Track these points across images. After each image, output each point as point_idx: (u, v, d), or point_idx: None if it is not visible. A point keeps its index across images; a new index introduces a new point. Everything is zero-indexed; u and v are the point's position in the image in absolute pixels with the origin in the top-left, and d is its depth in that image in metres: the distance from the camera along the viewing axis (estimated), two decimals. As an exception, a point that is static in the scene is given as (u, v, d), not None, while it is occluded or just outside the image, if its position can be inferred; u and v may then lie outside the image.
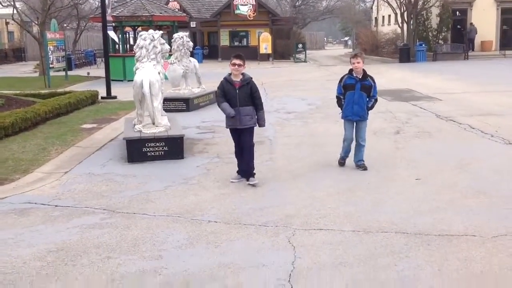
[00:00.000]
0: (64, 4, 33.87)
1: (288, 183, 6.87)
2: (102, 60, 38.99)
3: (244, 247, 4.75)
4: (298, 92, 17.71)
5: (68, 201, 6.30)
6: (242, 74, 6.71)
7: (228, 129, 6.97)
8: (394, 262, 4.34)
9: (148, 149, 8.29)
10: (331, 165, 7.76)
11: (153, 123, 8.84)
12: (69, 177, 7.45)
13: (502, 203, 5.82)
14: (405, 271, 4.18)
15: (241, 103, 6.63)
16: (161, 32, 9.96)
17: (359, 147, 7.42)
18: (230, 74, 6.74)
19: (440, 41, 36.51)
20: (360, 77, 7.27)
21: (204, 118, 12.38)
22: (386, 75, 22.73)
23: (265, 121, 6.90)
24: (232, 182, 6.86)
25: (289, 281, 4.06)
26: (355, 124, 7.36)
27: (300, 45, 39.78)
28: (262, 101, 6.91)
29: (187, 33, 15.01)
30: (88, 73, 27.16)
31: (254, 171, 6.83)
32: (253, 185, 6.66)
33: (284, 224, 5.31)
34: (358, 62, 7.22)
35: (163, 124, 8.87)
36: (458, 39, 37.50)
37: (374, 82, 7.39)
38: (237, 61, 6.64)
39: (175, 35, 14.38)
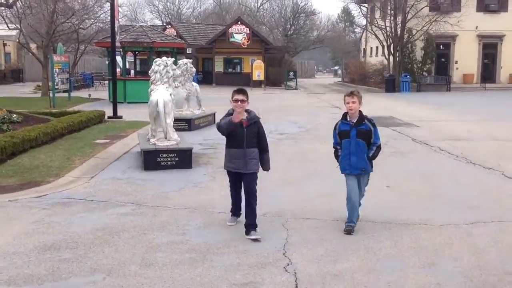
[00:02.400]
0: (65, 28, 35.41)
1: (282, 187, 8.28)
2: (100, 83, 40.68)
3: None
4: (289, 116, 19.23)
5: (101, 197, 7.67)
6: (247, 111, 5.89)
7: (226, 171, 6.14)
8: (363, 238, 5.77)
9: (161, 159, 9.69)
10: (318, 174, 9.20)
11: (166, 137, 10.27)
12: (97, 180, 8.82)
13: (453, 204, 7.27)
14: (371, 244, 5.61)
15: (248, 144, 5.82)
16: (173, 59, 11.48)
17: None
18: (233, 110, 5.85)
19: (424, 73, 38.46)
20: (355, 121, 6.03)
21: (205, 136, 13.81)
22: (372, 103, 24.30)
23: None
24: (230, 225, 6.25)
25: (283, 249, 5.46)
26: (357, 177, 6.17)
27: (291, 73, 41.59)
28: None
29: (190, 60, 16.46)
30: (90, 95, 28.57)
31: (256, 222, 5.88)
32: (255, 240, 5.71)
33: (279, 214, 6.71)
34: (353, 102, 5.96)
35: (174, 138, 10.29)
36: (442, 71, 39.48)
37: (375, 126, 6.09)
38: (240, 97, 5.78)
39: (180, 62, 15.89)
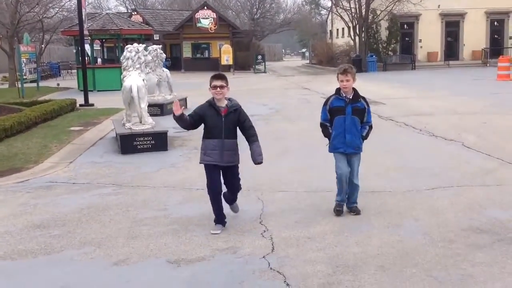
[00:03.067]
0: (29, 18, 34.93)
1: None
2: (67, 72, 40.33)
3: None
4: (259, 99, 19.61)
5: (82, 180, 7.95)
6: (229, 99, 5.44)
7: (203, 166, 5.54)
8: (332, 207, 6.22)
9: (138, 143, 9.99)
10: (289, 152, 9.64)
11: (141, 122, 10.55)
12: (76, 165, 9.09)
13: (416, 173, 7.79)
14: (333, 218, 6.07)
15: (226, 135, 5.33)
16: (144, 45, 11.71)
17: (353, 187, 5.97)
18: (213, 98, 5.38)
19: (390, 53, 39.23)
20: (351, 97, 5.74)
21: (178, 120, 14.11)
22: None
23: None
24: (213, 234, 5.45)
25: (260, 218, 5.88)
26: (346, 156, 5.86)
27: (259, 57, 41.88)
28: None
29: (160, 46, 16.65)
30: (58, 84, 28.41)
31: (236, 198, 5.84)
32: (235, 212, 5.89)
33: (255, 188, 7.12)
34: (347, 80, 5.67)
35: (149, 122, 10.58)
36: (407, 50, 40.31)
37: (368, 105, 5.87)
38: (219, 82, 5.28)
39: (150, 48, 16.06)
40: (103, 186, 7.59)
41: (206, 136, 5.45)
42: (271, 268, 4.54)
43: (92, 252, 5.03)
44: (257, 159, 5.39)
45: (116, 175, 8.22)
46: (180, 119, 5.31)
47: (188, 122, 5.39)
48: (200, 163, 5.55)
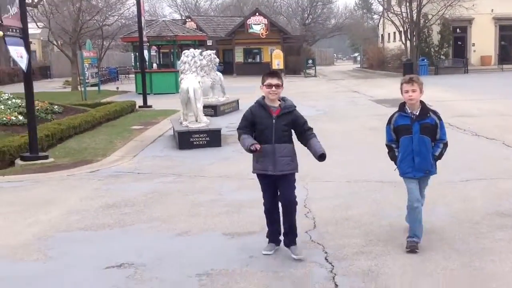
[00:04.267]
0: (90, 25, 36.76)
1: (302, 158, 9.35)
2: (125, 76, 42.15)
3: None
4: (308, 101, 20.24)
5: (145, 171, 8.86)
6: (283, 99, 4.87)
7: (255, 174, 5.00)
8: (371, 194, 6.83)
9: (194, 139, 10.86)
10: (333, 148, 10.28)
11: (196, 120, 11.43)
12: (139, 158, 10.03)
13: (453, 167, 8.28)
14: (377, 197, 6.71)
15: (278, 138, 4.72)
16: (200, 50, 12.63)
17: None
18: (263, 97, 4.85)
19: (442, 56, 39.03)
20: (418, 113, 4.94)
21: (230, 121, 14.91)
22: (390, 87, 25.17)
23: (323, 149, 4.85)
24: (265, 254, 4.94)
25: (304, 202, 6.57)
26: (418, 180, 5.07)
27: (310, 61, 42.47)
28: None
29: (214, 51, 17.59)
30: (117, 88, 29.97)
31: (296, 236, 4.95)
32: (299, 260, 4.76)
33: (301, 179, 7.79)
34: (413, 91, 4.88)
35: (204, 121, 11.45)
36: (459, 54, 40.00)
37: (440, 119, 5.06)
38: (274, 81, 4.74)
39: (204, 53, 17.02)
40: (164, 175, 8.46)
41: (256, 140, 4.76)
42: (312, 240, 5.23)
43: (158, 226, 5.86)
44: (319, 150, 4.78)
45: (175, 167, 9.08)
46: (248, 151, 4.74)
47: (248, 138, 4.76)
48: (253, 172, 4.98)
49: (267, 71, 5.05)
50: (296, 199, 4.92)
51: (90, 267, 4.80)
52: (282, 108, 4.77)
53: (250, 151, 4.68)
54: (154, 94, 26.43)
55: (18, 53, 9.82)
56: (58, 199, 7.14)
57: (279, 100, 4.83)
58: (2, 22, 9.45)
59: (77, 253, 5.18)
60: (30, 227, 5.98)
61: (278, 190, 4.89)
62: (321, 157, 4.81)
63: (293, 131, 4.88)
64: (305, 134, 4.86)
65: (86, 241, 5.51)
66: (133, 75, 33.25)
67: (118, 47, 55.20)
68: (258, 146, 4.65)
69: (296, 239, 4.91)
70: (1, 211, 6.65)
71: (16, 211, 6.61)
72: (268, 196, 4.98)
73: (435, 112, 5.05)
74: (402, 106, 5.02)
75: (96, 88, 27.22)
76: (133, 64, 38.03)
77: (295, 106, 4.89)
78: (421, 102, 4.99)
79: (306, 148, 4.94)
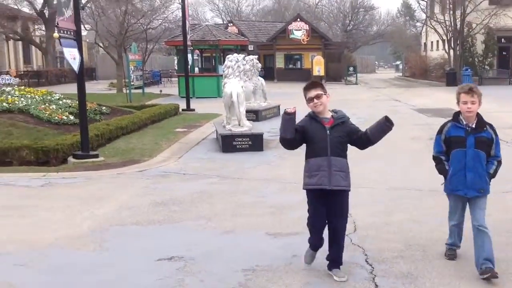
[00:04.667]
0: (135, 29, 37.67)
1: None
2: (168, 79, 43.01)
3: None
4: (349, 109, 20.27)
5: (190, 172, 9.21)
6: (333, 111, 4.64)
7: (305, 191, 4.68)
8: (411, 201, 6.98)
9: (237, 143, 11.18)
10: (371, 155, 10.45)
11: (239, 124, 11.74)
12: (184, 159, 10.40)
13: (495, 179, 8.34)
14: (417, 204, 6.84)
15: (333, 151, 4.47)
16: (243, 55, 12.96)
17: (481, 236, 4.61)
18: (311, 114, 4.60)
19: (486, 67, 38.40)
20: (474, 126, 4.64)
21: (272, 126, 15.18)
22: (432, 96, 25.07)
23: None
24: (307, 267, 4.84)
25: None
26: (467, 202, 4.78)
27: (351, 68, 42.42)
28: None
29: (256, 56, 17.91)
30: (161, 91, 30.67)
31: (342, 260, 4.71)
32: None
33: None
34: (473, 103, 4.59)
35: (247, 125, 11.76)
36: (504, 65, 39.28)
37: (496, 134, 4.74)
38: (312, 93, 4.50)
39: (247, 58, 17.36)
40: (209, 177, 8.79)
41: (309, 155, 4.56)
42: (352, 243, 5.44)
43: (205, 224, 6.18)
44: (381, 118, 4.63)
45: (219, 169, 9.41)
46: (290, 120, 4.43)
47: (293, 131, 4.46)
48: (304, 188, 4.63)
49: (305, 85, 4.68)
50: (347, 217, 4.70)
51: (142, 258, 5.14)
52: (335, 119, 4.53)
53: (286, 114, 4.38)
54: (196, 97, 26.92)
55: (71, 55, 10.34)
56: (110, 196, 7.55)
57: (330, 111, 4.60)
58: (58, 24, 9.97)
59: (130, 245, 5.53)
60: (86, 220, 6.39)
61: (328, 208, 4.57)
62: (387, 120, 4.59)
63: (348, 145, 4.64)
64: (361, 134, 4.62)
65: (138, 235, 5.86)
66: (176, 79, 34.00)
67: (161, 50, 56.20)
68: (293, 108, 4.38)
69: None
70: (58, 205, 7.09)
71: (72, 205, 7.04)
72: (316, 215, 4.63)
73: (491, 126, 4.71)
74: (457, 116, 4.70)
75: (140, 90, 27.91)
76: (175, 67, 38.91)
77: (348, 117, 4.63)
78: (478, 114, 4.67)
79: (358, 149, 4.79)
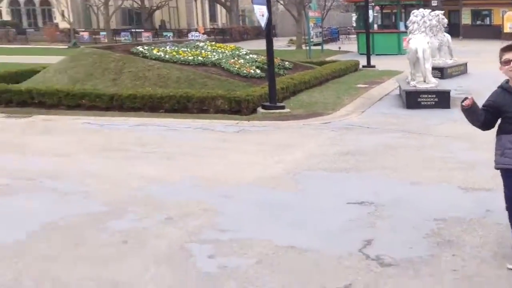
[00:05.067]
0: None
1: None
2: (346, 37, 42.81)
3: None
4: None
5: (374, 126, 9.31)
6: None
7: (499, 170, 4.08)
8: None
9: (421, 99, 10.94)
10: None
11: (424, 81, 11.45)
12: (367, 114, 10.51)
13: None
14: None
15: None
16: (429, 10, 12.50)
17: None
18: (507, 81, 3.97)
19: None
20: None
21: (459, 84, 14.53)
22: None
23: None
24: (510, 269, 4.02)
25: None
26: None
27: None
28: None
29: (442, 11, 17.06)
30: (339, 48, 30.72)
31: None
32: None
33: None
34: None
35: (432, 81, 11.42)
36: None
37: None
38: None
39: (433, 13, 16.62)
40: (393, 131, 8.81)
41: (502, 131, 4.00)
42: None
43: (390, 174, 6.32)
44: None
45: (403, 124, 9.36)
46: (469, 111, 3.97)
47: (480, 115, 3.97)
48: (496, 167, 4.09)
49: (502, 46, 4.07)
50: None
51: (333, 200, 5.46)
52: None
53: (463, 108, 3.98)
54: (376, 54, 26.48)
55: (260, 12, 10.88)
56: (298, 144, 8.00)
57: None
58: (252, -18, 10.53)
59: (321, 188, 5.89)
60: (278, 164, 6.89)
61: None
62: None
63: None
64: None
65: (327, 180, 6.20)
66: (354, 36, 33.70)
67: (339, 7, 55.83)
68: (469, 101, 3.92)
69: None
70: (251, 149, 7.72)
71: (263, 150, 7.61)
72: None
73: None
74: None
75: (319, 47, 28.21)
76: (353, 24, 38.47)
77: None
78: None
79: None
